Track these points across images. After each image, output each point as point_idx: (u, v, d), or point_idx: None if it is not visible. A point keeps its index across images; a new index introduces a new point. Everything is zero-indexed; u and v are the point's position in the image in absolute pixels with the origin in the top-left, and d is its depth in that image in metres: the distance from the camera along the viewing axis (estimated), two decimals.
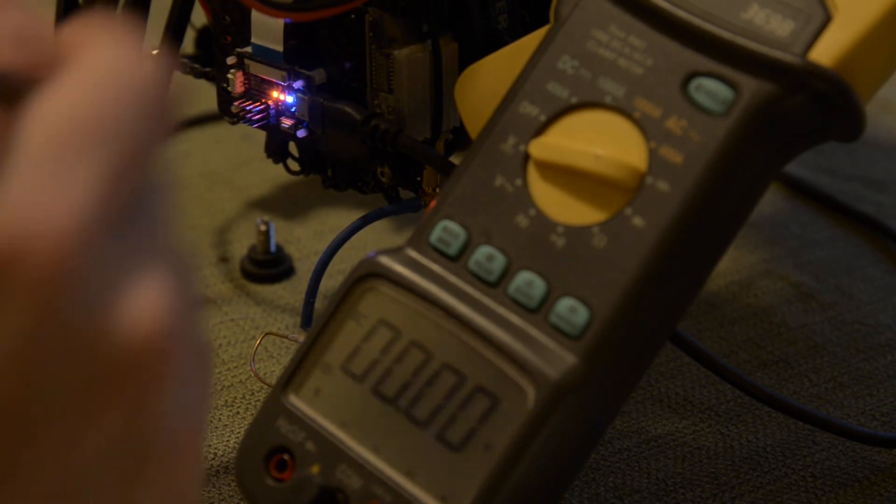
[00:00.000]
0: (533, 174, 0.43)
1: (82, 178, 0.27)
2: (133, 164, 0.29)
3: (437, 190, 0.53)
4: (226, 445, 0.53)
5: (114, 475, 0.29)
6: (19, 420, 0.28)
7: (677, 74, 0.42)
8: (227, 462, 0.52)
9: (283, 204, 0.69)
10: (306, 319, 0.53)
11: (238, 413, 0.55)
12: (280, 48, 0.53)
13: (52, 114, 0.28)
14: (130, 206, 0.29)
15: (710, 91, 0.42)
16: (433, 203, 0.44)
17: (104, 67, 0.29)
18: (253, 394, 0.56)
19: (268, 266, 0.64)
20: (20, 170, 0.27)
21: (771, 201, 0.71)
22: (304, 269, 0.64)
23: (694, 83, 0.42)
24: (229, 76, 0.54)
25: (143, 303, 0.28)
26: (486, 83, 0.48)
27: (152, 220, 0.30)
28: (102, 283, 0.28)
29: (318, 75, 0.53)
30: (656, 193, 0.41)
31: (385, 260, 0.43)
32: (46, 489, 0.29)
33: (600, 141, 0.42)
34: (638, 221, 0.41)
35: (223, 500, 0.50)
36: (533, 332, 0.41)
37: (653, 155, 0.42)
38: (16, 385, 0.28)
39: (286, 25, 0.53)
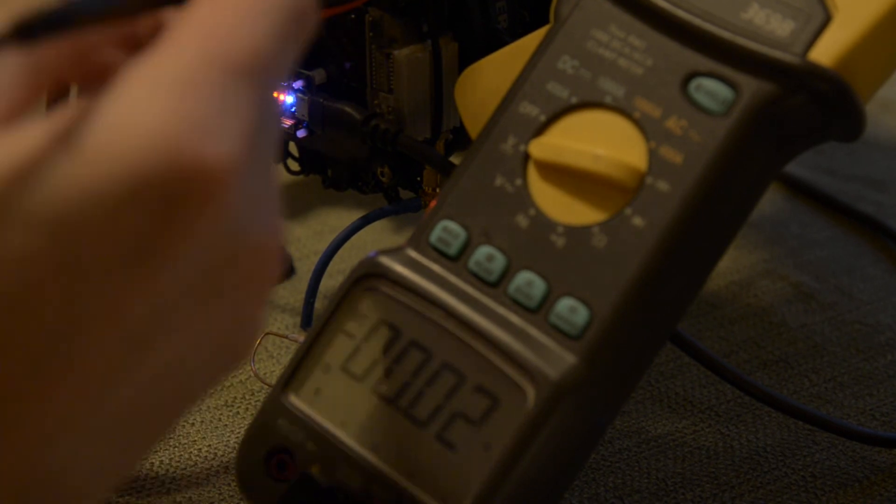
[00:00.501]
0: (533, 174, 0.43)
1: (243, 111, 0.30)
2: (273, 88, 0.32)
3: (437, 190, 0.53)
4: (226, 445, 0.53)
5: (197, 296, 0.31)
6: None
7: (677, 74, 0.42)
8: (227, 462, 0.52)
9: (283, 204, 0.69)
10: (306, 319, 0.53)
11: (238, 413, 0.55)
12: None
13: (204, 30, 0.30)
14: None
15: (710, 91, 0.42)
16: (433, 203, 0.44)
17: None
18: (253, 394, 0.56)
19: None
20: (188, 84, 0.29)
21: (771, 201, 0.71)
22: (304, 269, 0.64)
23: (694, 83, 0.42)
24: None
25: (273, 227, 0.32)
26: (486, 83, 0.48)
27: (272, 136, 0.32)
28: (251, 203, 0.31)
29: (318, 75, 0.53)
30: (656, 193, 0.41)
31: (385, 260, 0.43)
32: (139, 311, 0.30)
33: (600, 141, 0.42)
34: (638, 221, 0.41)
35: (223, 500, 0.50)
36: (533, 332, 0.41)
37: (653, 155, 0.42)
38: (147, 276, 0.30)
39: None
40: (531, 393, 0.40)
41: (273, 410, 0.43)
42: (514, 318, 0.41)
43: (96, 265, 0.29)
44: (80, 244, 0.29)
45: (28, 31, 0.28)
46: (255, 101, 0.31)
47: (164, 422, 0.33)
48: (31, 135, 0.29)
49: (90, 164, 0.29)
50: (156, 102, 0.29)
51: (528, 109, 0.44)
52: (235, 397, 0.56)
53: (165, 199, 0.29)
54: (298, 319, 0.59)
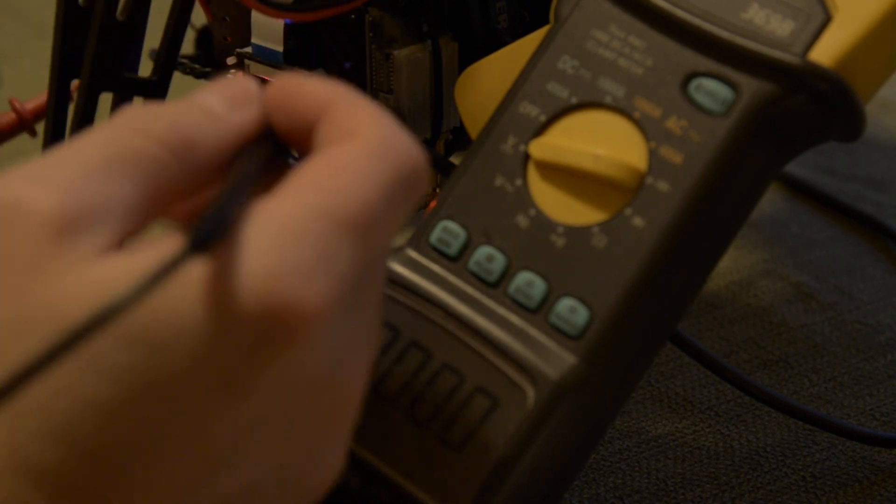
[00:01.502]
0: (533, 174, 0.43)
1: (343, 262, 0.32)
2: (380, 254, 0.35)
3: (437, 190, 0.53)
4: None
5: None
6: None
7: (677, 74, 0.42)
8: None
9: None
10: None
11: None
12: (280, 48, 0.53)
13: (318, 185, 0.33)
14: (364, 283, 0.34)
15: (710, 91, 0.42)
16: (433, 203, 0.44)
17: (376, 146, 0.35)
18: None
19: None
20: (295, 232, 0.32)
21: (771, 201, 0.71)
22: None
23: (694, 83, 0.42)
24: (229, 76, 0.54)
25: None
26: (486, 83, 0.48)
27: (375, 292, 0.35)
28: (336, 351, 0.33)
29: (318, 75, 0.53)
30: (656, 193, 0.41)
31: None
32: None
33: (600, 141, 0.42)
34: (638, 221, 0.41)
35: None
36: (533, 332, 0.41)
37: (653, 155, 0.42)
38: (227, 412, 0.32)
39: (286, 25, 0.53)
40: (531, 393, 0.40)
41: None
42: (514, 319, 0.41)
43: (186, 387, 0.31)
44: (174, 366, 0.31)
45: (202, 244, 0.31)
46: (358, 254, 0.33)
47: None
48: (142, 257, 0.31)
49: (193, 297, 0.31)
50: (264, 247, 0.31)
51: (528, 109, 0.44)
52: None
53: (256, 333, 0.31)
54: None
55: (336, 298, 0.32)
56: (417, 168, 0.35)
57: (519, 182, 0.43)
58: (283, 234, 0.32)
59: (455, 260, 0.43)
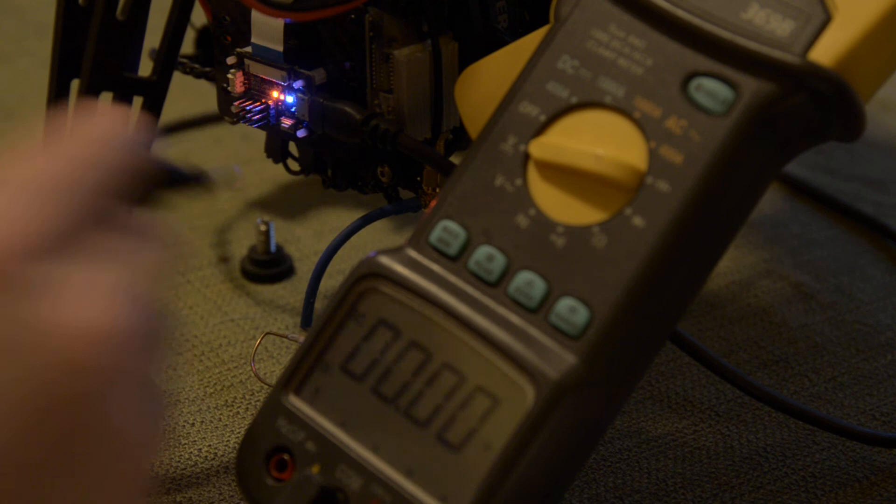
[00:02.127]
0: (533, 174, 0.43)
1: (44, 212, 0.34)
2: (84, 206, 0.35)
3: (437, 190, 0.53)
4: (226, 445, 0.53)
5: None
6: None
7: (677, 74, 0.42)
8: (228, 462, 0.52)
9: (283, 204, 0.69)
10: (306, 319, 0.53)
11: (238, 413, 0.55)
12: (280, 48, 0.53)
13: (37, 163, 0.35)
14: (81, 235, 0.34)
15: (710, 91, 0.42)
16: (433, 203, 0.44)
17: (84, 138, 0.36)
18: (253, 394, 0.56)
19: (268, 266, 0.64)
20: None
21: (771, 201, 0.71)
22: (304, 269, 0.64)
23: (694, 83, 0.42)
24: (229, 76, 0.54)
25: (88, 308, 0.33)
26: (486, 83, 0.48)
27: (108, 244, 0.35)
28: (45, 285, 0.33)
29: (318, 75, 0.53)
30: (656, 193, 0.41)
31: (385, 260, 0.43)
32: None
33: (600, 141, 0.42)
34: (638, 221, 0.41)
35: (223, 500, 0.50)
36: (533, 332, 0.41)
37: (653, 155, 0.42)
38: None
39: (286, 25, 0.53)
40: (531, 393, 0.40)
41: (273, 410, 0.43)
42: (514, 318, 0.41)
43: None
44: None
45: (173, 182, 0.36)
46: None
47: None
48: None
49: None
50: None
51: (528, 109, 0.44)
52: (235, 397, 0.56)
53: None
54: (298, 319, 0.59)
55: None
56: None
57: (519, 182, 0.43)
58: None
59: (455, 259, 0.43)
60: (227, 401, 0.55)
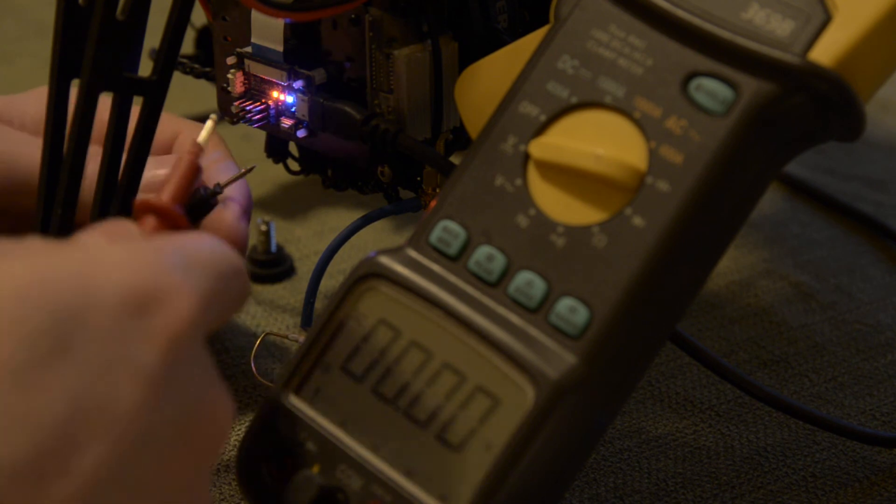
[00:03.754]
0: (533, 174, 0.43)
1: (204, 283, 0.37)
2: (223, 303, 0.38)
3: (437, 190, 0.53)
4: (226, 445, 0.53)
5: None
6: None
7: (677, 74, 0.42)
8: (227, 462, 0.52)
9: (283, 204, 0.69)
10: (306, 319, 0.53)
11: (238, 413, 0.55)
12: (280, 48, 0.53)
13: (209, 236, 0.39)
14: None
15: (710, 91, 0.42)
16: (433, 203, 0.44)
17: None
18: (253, 393, 0.56)
19: (268, 266, 0.64)
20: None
21: (771, 201, 0.71)
22: (304, 269, 0.64)
23: (694, 83, 0.42)
24: (229, 76, 0.54)
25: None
26: (486, 83, 0.48)
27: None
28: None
29: (318, 75, 0.53)
30: (656, 193, 0.41)
31: (385, 260, 0.43)
32: None
33: (600, 141, 0.42)
34: (638, 221, 0.41)
35: (223, 500, 0.50)
36: (533, 332, 0.41)
37: (653, 155, 0.42)
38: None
39: (286, 25, 0.53)
40: (531, 393, 0.40)
41: (273, 410, 0.43)
42: (514, 318, 0.41)
43: None
44: None
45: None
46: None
47: None
48: None
49: None
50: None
51: (528, 109, 0.44)
52: (235, 397, 0.56)
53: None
54: (298, 319, 0.59)
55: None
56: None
57: (519, 182, 0.43)
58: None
59: (455, 259, 0.43)
60: None
